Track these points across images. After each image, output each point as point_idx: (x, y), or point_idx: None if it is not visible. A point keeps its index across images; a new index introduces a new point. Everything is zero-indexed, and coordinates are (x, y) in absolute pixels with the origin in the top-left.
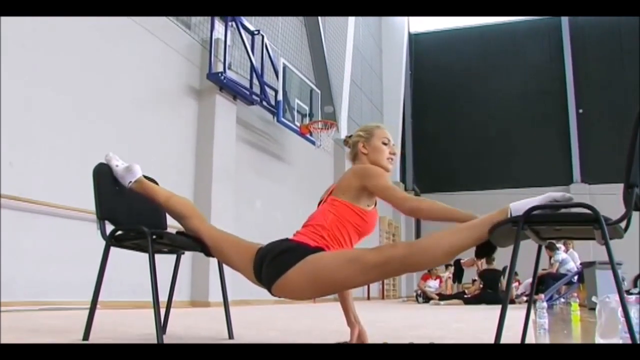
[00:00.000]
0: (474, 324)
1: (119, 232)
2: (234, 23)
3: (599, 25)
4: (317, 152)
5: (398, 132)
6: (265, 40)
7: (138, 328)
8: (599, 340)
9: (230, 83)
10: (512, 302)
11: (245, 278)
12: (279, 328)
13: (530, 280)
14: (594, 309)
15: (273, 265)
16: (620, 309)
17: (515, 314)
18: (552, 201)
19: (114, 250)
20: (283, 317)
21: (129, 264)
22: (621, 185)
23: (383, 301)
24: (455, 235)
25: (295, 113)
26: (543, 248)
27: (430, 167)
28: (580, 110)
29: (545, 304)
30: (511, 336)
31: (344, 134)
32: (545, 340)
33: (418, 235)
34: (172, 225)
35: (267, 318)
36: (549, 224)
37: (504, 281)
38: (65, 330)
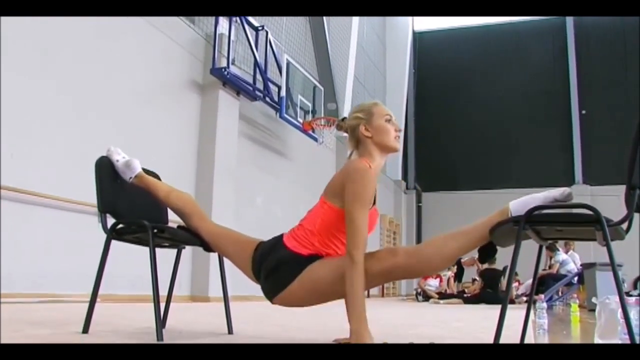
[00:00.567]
0: (474, 324)
1: (120, 226)
2: (238, 18)
3: (603, 26)
4: (319, 149)
5: (401, 130)
6: (269, 36)
7: (138, 322)
8: (598, 341)
9: (234, 78)
10: (512, 302)
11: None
12: (279, 324)
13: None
14: (593, 310)
15: (272, 281)
16: (620, 310)
17: (515, 313)
18: (552, 200)
19: (114, 243)
20: (283, 314)
21: (129, 258)
22: (623, 187)
23: (383, 299)
24: (458, 242)
25: (298, 109)
26: (544, 249)
27: (432, 166)
28: (583, 112)
29: (545, 305)
30: (510, 336)
31: None
32: (545, 340)
33: (419, 234)
34: (174, 219)
35: (267, 314)
36: (551, 224)
37: (504, 281)
38: (65, 322)
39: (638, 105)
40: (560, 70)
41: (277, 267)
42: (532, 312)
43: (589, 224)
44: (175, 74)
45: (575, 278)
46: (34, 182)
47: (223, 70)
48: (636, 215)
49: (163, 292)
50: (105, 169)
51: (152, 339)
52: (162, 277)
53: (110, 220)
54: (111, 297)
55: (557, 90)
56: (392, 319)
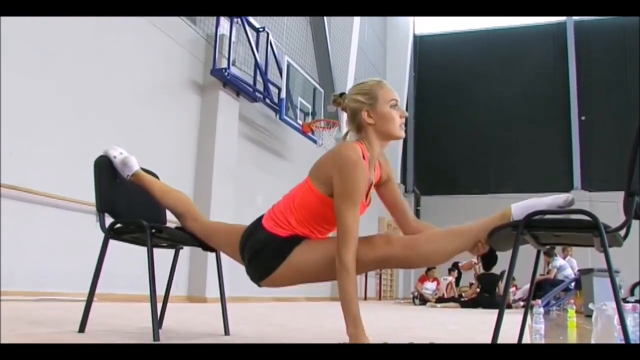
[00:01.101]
0: (471, 327)
1: (118, 225)
2: (239, 19)
3: (603, 31)
4: (318, 151)
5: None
6: (270, 37)
7: (134, 321)
8: None
9: (234, 79)
10: (509, 306)
11: (243, 275)
12: (276, 325)
13: (528, 286)
14: (590, 316)
15: (255, 266)
16: (616, 316)
17: (512, 318)
18: (557, 207)
19: (112, 243)
20: (281, 314)
21: (127, 257)
22: (622, 193)
23: (380, 302)
24: (456, 242)
25: (298, 111)
26: (541, 254)
27: (431, 169)
28: (583, 117)
29: (542, 310)
30: (507, 340)
31: None
32: None
33: None
34: (172, 219)
35: (265, 315)
36: (549, 229)
37: (501, 285)
38: (62, 321)
39: (638, 111)
40: (559, 75)
41: (259, 251)
42: (529, 317)
43: (587, 230)
44: (176, 74)
45: (573, 284)
46: (34, 181)
47: (223, 71)
48: (634, 221)
49: (160, 292)
50: (104, 169)
51: (148, 339)
52: (160, 277)
53: (109, 220)
54: (109, 296)
55: (556, 95)
56: (389, 322)
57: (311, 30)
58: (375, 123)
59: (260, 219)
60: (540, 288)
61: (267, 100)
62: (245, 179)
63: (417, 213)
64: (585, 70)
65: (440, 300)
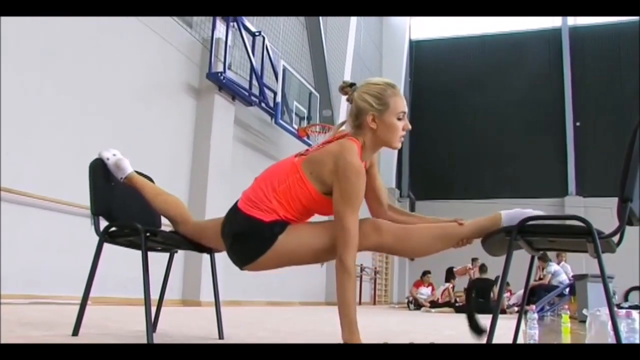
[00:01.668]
0: (465, 332)
1: (113, 229)
2: (235, 23)
3: (598, 37)
4: None
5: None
6: (266, 41)
7: (128, 325)
8: None
9: (230, 83)
10: (503, 312)
11: (237, 279)
12: (270, 329)
13: (522, 291)
14: (584, 321)
15: (238, 251)
16: (610, 322)
17: (506, 323)
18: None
19: (106, 246)
20: (275, 318)
21: (122, 261)
22: (616, 199)
23: (374, 307)
24: (444, 243)
25: (294, 115)
26: (535, 259)
27: (426, 174)
28: (578, 123)
29: (536, 315)
30: None
31: None
32: None
33: None
34: (167, 223)
35: (259, 319)
36: (543, 235)
37: (496, 290)
38: (55, 324)
39: (631, 118)
40: (555, 80)
41: (241, 235)
42: (523, 322)
43: (581, 236)
44: (172, 77)
45: (567, 289)
46: (28, 184)
47: (219, 74)
48: (629, 228)
49: (155, 295)
50: (99, 172)
51: (142, 343)
52: (154, 281)
53: (103, 223)
54: (103, 299)
55: (551, 101)
56: (384, 327)
57: (307, 35)
58: (377, 129)
59: (235, 204)
60: (535, 293)
61: (263, 105)
62: (241, 183)
63: None
64: (580, 76)
65: (435, 305)
